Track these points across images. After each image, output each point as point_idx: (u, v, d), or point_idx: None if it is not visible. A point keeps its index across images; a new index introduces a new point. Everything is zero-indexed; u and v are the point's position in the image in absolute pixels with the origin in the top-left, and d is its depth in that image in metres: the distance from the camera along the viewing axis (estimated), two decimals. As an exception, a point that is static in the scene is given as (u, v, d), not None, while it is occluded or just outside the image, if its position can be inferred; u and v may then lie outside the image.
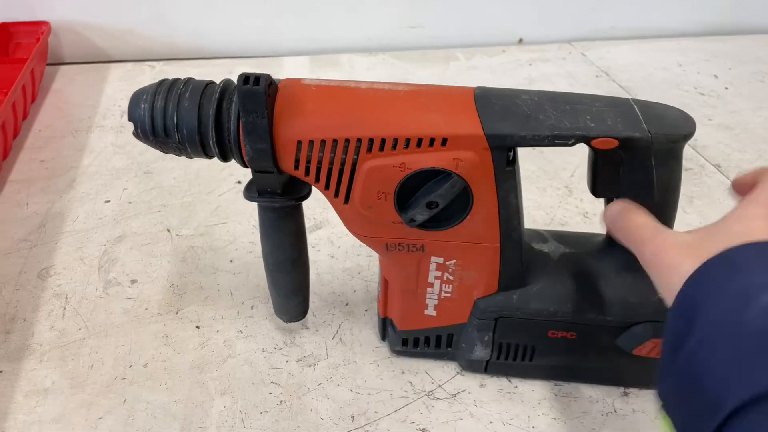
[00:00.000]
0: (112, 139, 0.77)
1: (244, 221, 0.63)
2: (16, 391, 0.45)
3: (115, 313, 0.52)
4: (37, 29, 0.91)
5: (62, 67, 0.95)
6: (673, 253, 0.31)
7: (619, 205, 0.38)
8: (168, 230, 0.62)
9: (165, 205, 0.66)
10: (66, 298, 0.54)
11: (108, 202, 0.66)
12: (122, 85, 0.91)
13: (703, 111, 0.88)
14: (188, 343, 0.50)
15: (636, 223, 0.36)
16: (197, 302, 0.54)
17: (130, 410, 0.44)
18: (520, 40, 1.11)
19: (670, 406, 0.28)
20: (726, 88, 0.95)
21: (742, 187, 0.34)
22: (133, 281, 0.56)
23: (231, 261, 0.58)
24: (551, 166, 0.74)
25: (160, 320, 0.52)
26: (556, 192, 0.70)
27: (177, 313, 0.53)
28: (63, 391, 0.46)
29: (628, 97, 0.91)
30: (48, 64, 0.93)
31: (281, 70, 0.98)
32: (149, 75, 0.94)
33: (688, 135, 0.37)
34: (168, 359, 0.48)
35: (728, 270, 0.27)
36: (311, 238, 0.61)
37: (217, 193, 0.68)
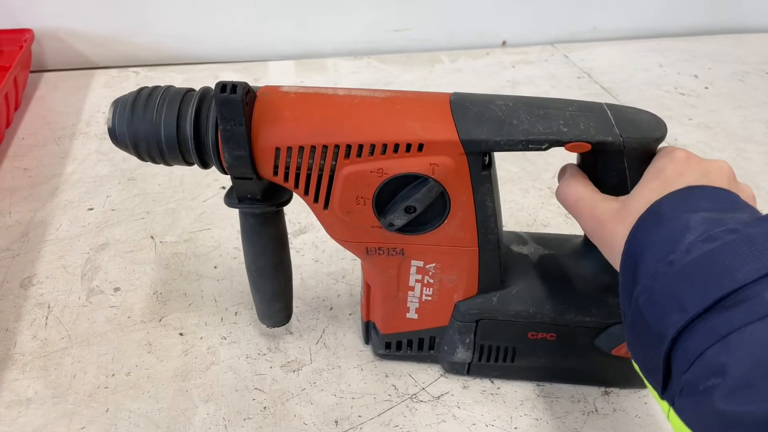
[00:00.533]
0: (96, 146, 0.77)
1: (229, 227, 0.63)
2: (-2, 401, 0.45)
3: (98, 322, 0.52)
4: (20, 37, 0.90)
5: (46, 74, 0.95)
6: (609, 224, 0.35)
7: (564, 174, 0.41)
8: (152, 237, 0.62)
9: (149, 212, 0.65)
10: (48, 307, 0.53)
11: (91, 209, 0.66)
12: (106, 91, 0.91)
13: (683, 111, 0.89)
14: (171, 350, 0.50)
15: (576, 197, 0.38)
16: (181, 309, 0.54)
17: (113, 419, 0.44)
18: (504, 43, 1.11)
19: (634, 356, 0.32)
20: (706, 88, 0.97)
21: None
22: (116, 289, 0.56)
23: (215, 267, 0.58)
24: (533, 168, 0.75)
25: (143, 328, 0.52)
26: (539, 193, 0.70)
27: (160, 320, 0.53)
28: (45, 401, 0.45)
29: (609, 97, 0.92)
30: (31, 72, 0.93)
31: (266, 75, 0.98)
32: (134, 81, 0.94)
33: (660, 138, 0.38)
34: (151, 367, 0.48)
35: (655, 221, 0.31)
36: (295, 243, 0.61)
37: (201, 199, 0.68)
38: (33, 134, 0.79)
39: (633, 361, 0.32)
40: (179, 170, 0.72)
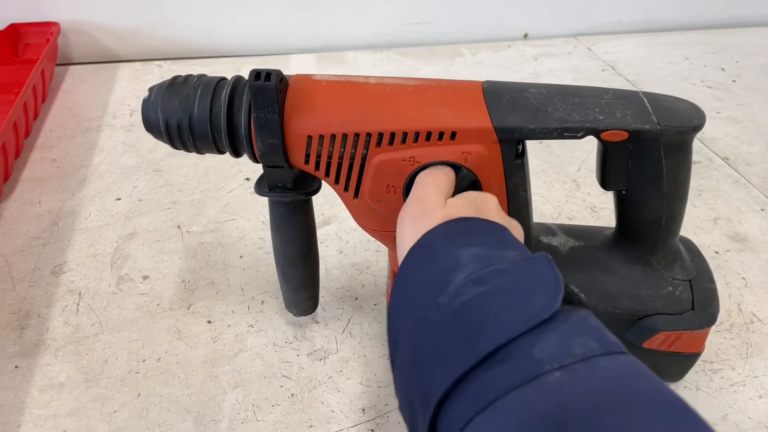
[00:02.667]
0: (122, 137, 0.78)
1: (253, 218, 0.64)
2: (32, 385, 0.46)
3: (128, 309, 0.53)
4: (47, 30, 0.91)
5: (71, 68, 0.96)
6: (407, 237, 0.31)
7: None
8: (178, 227, 0.63)
9: (175, 203, 0.66)
10: (79, 294, 0.54)
11: (119, 199, 0.66)
12: (131, 84, 0.92)
13: (710, 104, 0.88)
14: (200, 337, 0.50)
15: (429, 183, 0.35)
16: (208, 297, 0.54)
17: (144, 403, 0.45)
18: (526, 35, 1.10)
19: (400, 404, 0.28)
20: (734, 81, 0.95)
21: None
22: (145, 277, 0.56)
23: (241, 257, 0.59)
24: (558, 161, 0.74)
25: (172, 315, 0.52)
26: (563, 186, 0.70)
27: (188, 308, 0.53)
28: (78, 385, 0.46)
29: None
30: (57, 65, 0.94)
31: (288, 68, 0.98)
32: (157, 74, 0.95)
33: (698, 127, 0.37)
34: (180, 353, 0.49)
35: (423, 255, 0.28)
36: (320, 234, 0.61)
37: (226, 190, 0.68)
38: (60, 126, 0.80)
39: (399, 410, 0.28)
40: (204, 162, 0.72)
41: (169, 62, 0.99)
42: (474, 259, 0.27)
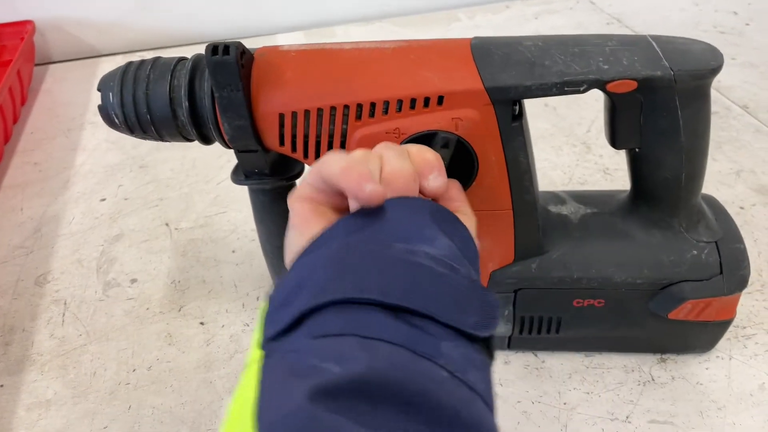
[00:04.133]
0: (105, 135, 0.74)
1: (245, 208, 0.60)
2: (18, 405, 0.44)
3: (116, 316, 0.50)
4: (21, 29, 0.88)
5: (51, 66, 0.93)
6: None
7: None
8: (166, 224, 0.59)
9: (162, 199, 0.63)
10: (65, 303, 0.51)
11: (104, 200, 0.63)
12: (113, 79, 0.88)
13: (725, 50, 0.81)
14: (193, 341, 0.47)
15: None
16: (200, 297, 0.51)
17: (136, 416, 0.42)
18: (524, -6, 1.05)
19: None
20: (747, 25, 0.89)
21: None
22: (133, 280, 0.53)
23: (233, 251, 0.56)
24: (565, 123, 0.70)
25: (162, 319, 0.49)
26: (573, 150, 0.65)
27: (180, 310, 0.50)
28: (66, 401, 0.43)
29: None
30: (36, 65, 0.91)
31: (275, 49, 0.94)
32: (141, 66, 0.91)
33: (716, 69, 0.33)
34: (173, 360, 0.46)
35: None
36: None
37: (215, 182, 0.65)
38: (41, 128, 0.77)
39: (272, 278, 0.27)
40: (191, 153, 0.69)
41: (152, 52, 0.95)
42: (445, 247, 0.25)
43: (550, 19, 0.95)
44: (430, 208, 0.27)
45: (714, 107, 0.70)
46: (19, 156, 0.72)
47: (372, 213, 0.25)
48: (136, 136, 0.37)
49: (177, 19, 0.97)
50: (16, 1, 0.90)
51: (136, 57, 0.93)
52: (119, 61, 0.92)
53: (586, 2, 1.00)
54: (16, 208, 0.63)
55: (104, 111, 0.35)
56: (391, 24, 0.99)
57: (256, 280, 0.52)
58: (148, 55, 0.85)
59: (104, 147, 0.72)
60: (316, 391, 0.18)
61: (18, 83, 0.78)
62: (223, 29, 0.99)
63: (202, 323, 0.49)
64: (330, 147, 0.34)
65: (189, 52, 0.98)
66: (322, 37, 0.96)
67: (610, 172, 0.62)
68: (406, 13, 1.02)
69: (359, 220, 0.25)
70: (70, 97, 0.84)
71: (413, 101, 0.32)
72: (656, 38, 0.34)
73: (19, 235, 0.59)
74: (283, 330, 0.23)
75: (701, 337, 0.42)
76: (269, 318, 0.24)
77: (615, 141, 0.37)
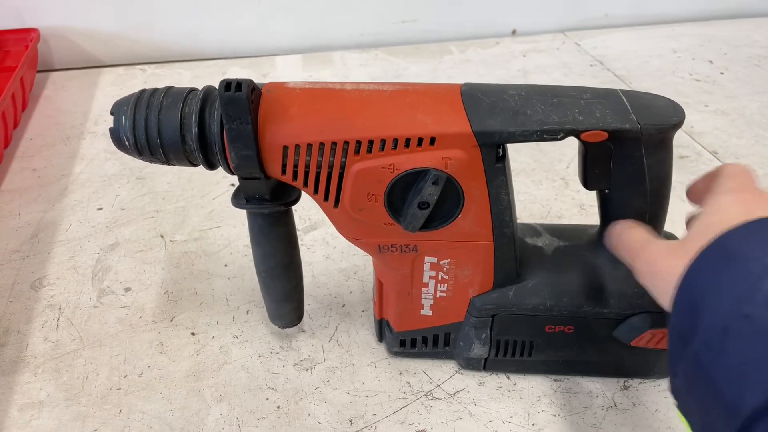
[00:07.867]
0: (104, 145, 0.76)
1: (239, 224, 0.63)
2: (11, 405, 0.45)
3: (110, 323, 0.52)
4: (26, 36, 0.90)
5: (53, 74, 0.95)
6: (664, 258, 0.31)
7: (619, 225, 0.39)
8: (161, 236, 0.62)
9: (158, 211, 0.65)
10: (59, 308, 0.53)
11: (101, 209, 0.65)
12: (114, 90, 0.91)
13: (698, 97, 0.87)
14: (183, 350, 0.49)
15: (629, 238, 0.36)
16: (192, 308, 0.53)
17: (126, 421, 0.44)
18: (514, 32, 1.10)
19: (684, 407, 0.27)
20: (722, 74, 0.94)
21: (697, 194, 0.36)
22: (127, 289, 0.55)
23: (226, 265, 0.58)
24: (547, 159, 0.73)
25: (154, 328, 0.51)
26: (552, 184, 0.69)
27: (172, 320, 0.52)
28: (58, 403, 0.45)
29: (623, 85, 0.90)
30: (38, 71, 0.93)
31: (274, 70, 0.97)
32: (141, 78, 0.94)
33: (678, 124, 0.36)
34: (163, 368, 0.48)
35: (722, 258, 0.26)
36: (306, 239, 0.61)
37: (210, 197, 0.67)
38: (41, 134, 0.79)
39: (678, 409, 0.27)
40: (188, 168, 0.71)
41: (152, 66, 0.98)
42: None
43: (537, 58, 1.00)
44: (736, 234, 0.26)
45: (685, 151, 0.75)
46: (18, 161, 0.73)
47: None
48: (143, 159, 0.39)
49: (179, 36, 1.00)
50: (22, 9, 0.92)
51: (136, 70, 0.96)
52: (120, 73, 0.95)
53: (572, 44, 1.05)
54: (14, 213, 0.65)
55: (115, 134, 0.37)
56: (385, 53, 1.03)
57: (247, 294, 0.55)
58: (149, 68, 0.88)
59: (103, 156, 0.74)
60: None
61: (20, 89, 0.80)
62: (222, 48, 1.02)
63: (193, 333, 0.51)
64: (329, 178, 0.37)
65: (189, 69, 1.02)
66: (320, 62, 1.00)
67: (586, 207, 0.65)
68: (400, 43, 1.06)
69: None
70: (71, 106, 0.86)
71: (408, 140, 0.35)
72: (625, 93, 0.38)
73: (15, 239, 0.61)
74: None
75: (659, 364, 0.46)
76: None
77: (587, 183, 0.40)
